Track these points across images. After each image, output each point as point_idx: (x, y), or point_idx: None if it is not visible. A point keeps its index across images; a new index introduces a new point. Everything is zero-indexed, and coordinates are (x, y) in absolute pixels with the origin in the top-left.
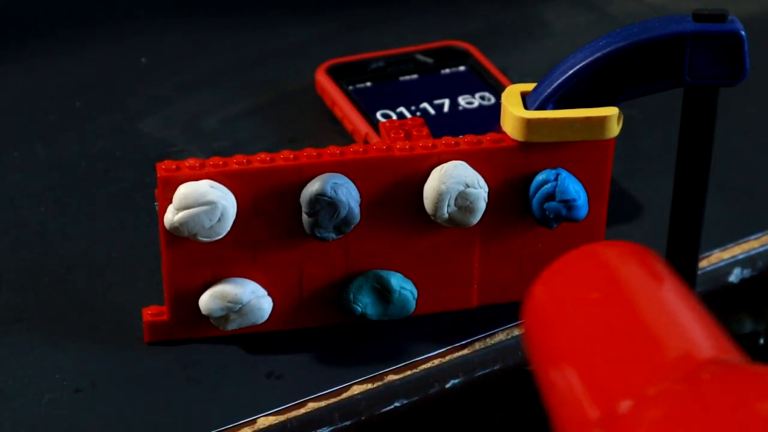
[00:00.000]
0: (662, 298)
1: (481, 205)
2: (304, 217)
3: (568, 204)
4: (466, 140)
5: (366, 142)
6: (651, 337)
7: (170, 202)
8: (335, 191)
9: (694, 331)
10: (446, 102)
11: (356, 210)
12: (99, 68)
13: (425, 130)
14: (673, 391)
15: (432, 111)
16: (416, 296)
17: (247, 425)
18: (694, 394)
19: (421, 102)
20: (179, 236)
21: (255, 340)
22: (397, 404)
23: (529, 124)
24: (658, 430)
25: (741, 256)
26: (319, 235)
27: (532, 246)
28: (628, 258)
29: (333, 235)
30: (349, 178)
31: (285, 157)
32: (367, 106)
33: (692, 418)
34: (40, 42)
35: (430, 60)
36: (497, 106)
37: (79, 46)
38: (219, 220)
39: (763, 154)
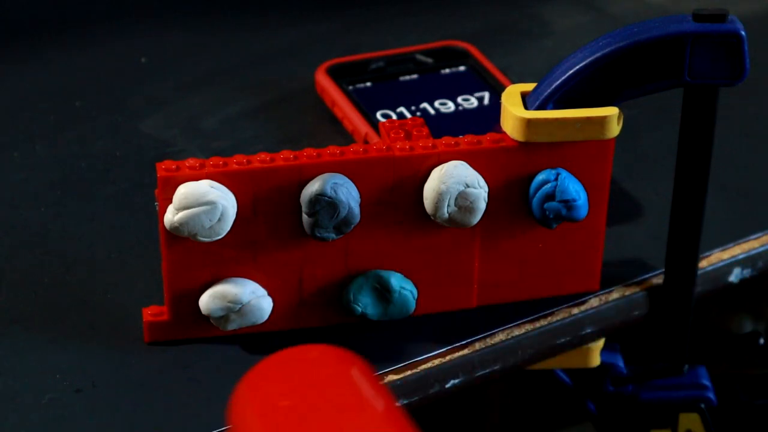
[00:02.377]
0: (347, 403)
1: (481, 205)
2: (304, 217)
3: (568, 204)
4: (466, 140)
5: (366, 142)
6: None
7: (170, 202)
8: (335, 191)
9: None
10: (446, 102)
11: (356, 210)
12: (99, 68)
13: (425, 130)
14: None
15: (432, 111)
16: (416, 296)
17: None
18: None
19: (421, 102)
20: (179, 236)
21: (255, 340)
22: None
23: (529, 124)
24: None
25: (741, 256)
26: (319, 235)
27: (532, 246)
28: (318, 363)
29: (333, 235)
30: (349, 178)
31: (285, 157)
32: (367, 106)
33: None
34: (40, 42)
35: (430, 60)
36: (497, 106)
37: (79, 46)
38: (219, 220)
39: (763, 154)
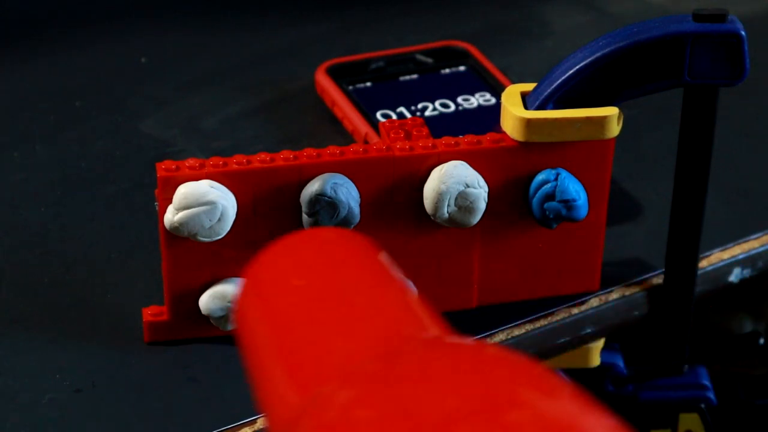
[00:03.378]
0: (363, 282)
1: (481, 205)
2: (304, 217)
3: (568, 204)
4: (466, 140)
5: (366, 142)
6: (351, 320)
7: (170, 202)
8: (335, 191)
9: (394, 311)
10: (446, 102)
11: (356, 210)
12: (99, 68)
13: (425, 130)
14: (368, 369)
15: (432, 111)
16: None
17: (247, 425)
18: (390, 371)
19: (421, 102)
20: (179, 236)
21: None
22: None
23: (529, 124)
24: (350, 409)
25: (741, 256)
26: None
27: (532, 246)
28: (332, 244)
29: None
30: (349, 178)
31: (285, 157)
32: (367, 106)
33: (386, 394)
34: (40, 42)
35: (430, 60)
36: (497, 106)
37: (79, 46)
38: (219, 220)
39: (763, 154)
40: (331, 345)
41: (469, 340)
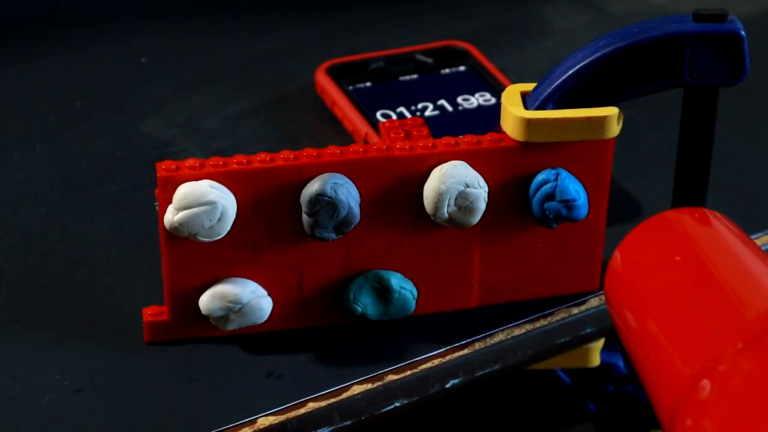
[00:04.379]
0: (742, 258)
1: (481, 205)
2: (304, 217)
3: (568, 204)
4: (466, 140)
5: (366, 142)
6: (735, 295)
7: (170, 202)
8: (335, 191)
9: None
10: (446, 102)
11: (356, 210)
12: (99, 68)
13: (425, 130)
14: (763, 343)
15: (432, 111)
16: (416, 296)
17: (247, 425)
18: None
19: (421, 102)
20: (179, 236)
21: (255, 340)
22: (397, 404)
23: (529, 124)
24: (754, 379)
25: None
26: (319, 235)
27: (532, 246)
28: (704, 223)
29: (333, 235)
30: (349, 178)
31: (285, 157)
32: (367, 106)
33: None
34: (41, 42)
35: (430, 60)
36: (497, 106)
37: (79, 46)
38: (219, 220)
39: (763, 154)
40: (718, 319)
41: None
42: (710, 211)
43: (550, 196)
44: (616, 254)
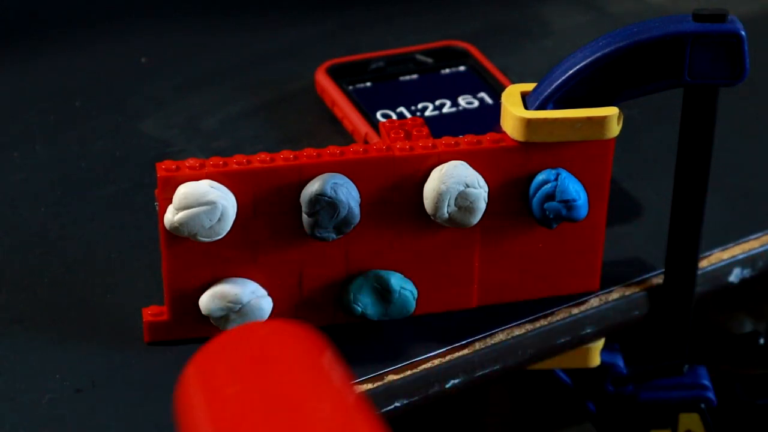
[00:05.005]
0: (303, 388)
1: (481, 205)
2: (304, 217)
3: (568, 204)
4: (466, 140)
5: (366, 142)
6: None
7: (170, 202)
8: (335, 191)
9: (333, 421)
10: (446, 102)
11: (356, 210)
12: (99, 68)
13: (425, 130)
14: None
15: (432, 111)
16: (416, 296)
17: None
18: None
19: (421, 102)
20: (179, 236)
21: None
22: (397, 404)
23: (529, 124)
24: None
25: (741, 256)
26: (319, 235)
27: (532, 246)
28: (271, 342)
29: (333, 235)
30: (349, 178)
31: (285, 157)
32: (367, 106)
33: None
34: (40, 42)
35: (430, 60)
36: (497, 106)
37: (79, 46)
38: (219, 220)
39: (763, 154)
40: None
41: None
42: (287, 323)
43: (550, 196)
44: (186, 372)
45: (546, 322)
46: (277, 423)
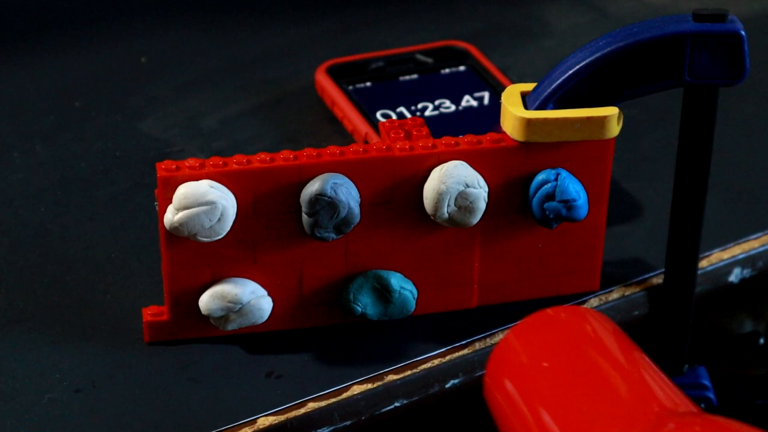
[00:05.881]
0: (620, 359)
1: (481, 205)
2: (304, 217)
3: (568, 204)
4: (466, 140)
5: (366, 142)
6: (606, 398)
7: (170, 202)
8: (335, 191)
9: (652, 387)
10: (446, 102)
11: (356, 210)
12: (99, 68)
13: (425, 130)
14: None
15: (432, 111)
16: (416, 296)
17: (247, 425)
18: None
19: (421, 102)
20: (179, 236)
21: (255, 340)
22: (397, 404)
23: (529, 124)
24: None
25: (741, 256)
26: (319, 235)
27: (532, 246)
28: (583, 322)
29: (333, 235)
30: (349, 178)
31: (285, 157)
32: (367, 106)
33: None
34: (40, 42)
35: (430, 60)
36: (497, 106)
37: (79, 46)
38: (219, 220)
39: (763, 154)
40: (590, 425)
41: (715, 417)
42: (590, 310)
43: (550, 196)
44: (497, 351)
45: None
46: (597, 389)
